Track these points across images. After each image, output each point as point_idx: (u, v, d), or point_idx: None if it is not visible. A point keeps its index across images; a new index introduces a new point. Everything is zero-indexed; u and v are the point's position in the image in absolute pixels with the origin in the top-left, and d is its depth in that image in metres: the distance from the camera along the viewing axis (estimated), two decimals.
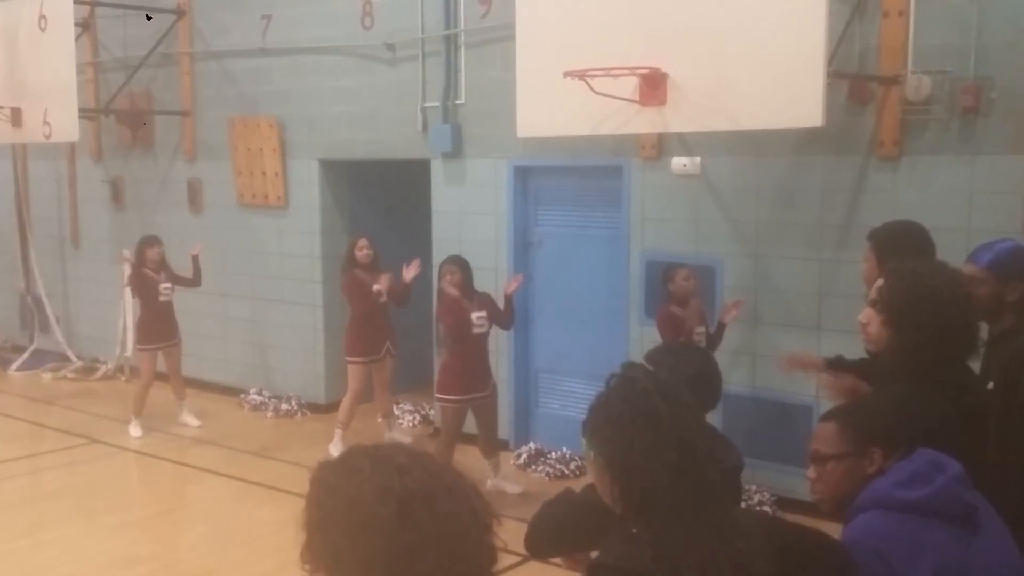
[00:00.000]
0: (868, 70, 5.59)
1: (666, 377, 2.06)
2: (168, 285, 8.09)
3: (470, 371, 6.33)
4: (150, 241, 8.08)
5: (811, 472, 2.47)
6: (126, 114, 9.47)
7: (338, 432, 7.28)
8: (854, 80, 5.60)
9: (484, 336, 6.38)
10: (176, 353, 8.21)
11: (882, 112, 5.58)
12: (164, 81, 9.42)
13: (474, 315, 6.33)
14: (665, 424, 1.89)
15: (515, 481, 6.63)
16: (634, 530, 1.91)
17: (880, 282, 2.82)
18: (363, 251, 7.25)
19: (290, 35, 8.40)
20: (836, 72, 5.09)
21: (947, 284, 2.74)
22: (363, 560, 1.51)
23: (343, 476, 1.57)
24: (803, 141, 5.83)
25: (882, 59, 5.53)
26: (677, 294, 5.92)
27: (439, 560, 1.53)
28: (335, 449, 6.90)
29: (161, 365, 8.10)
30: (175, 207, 9.47)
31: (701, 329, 5.90)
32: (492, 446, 6.52)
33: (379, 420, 7.60)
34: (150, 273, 8.01)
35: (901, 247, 3.78)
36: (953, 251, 4.30)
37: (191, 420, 8.24)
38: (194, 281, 8.17)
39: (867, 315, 2.83)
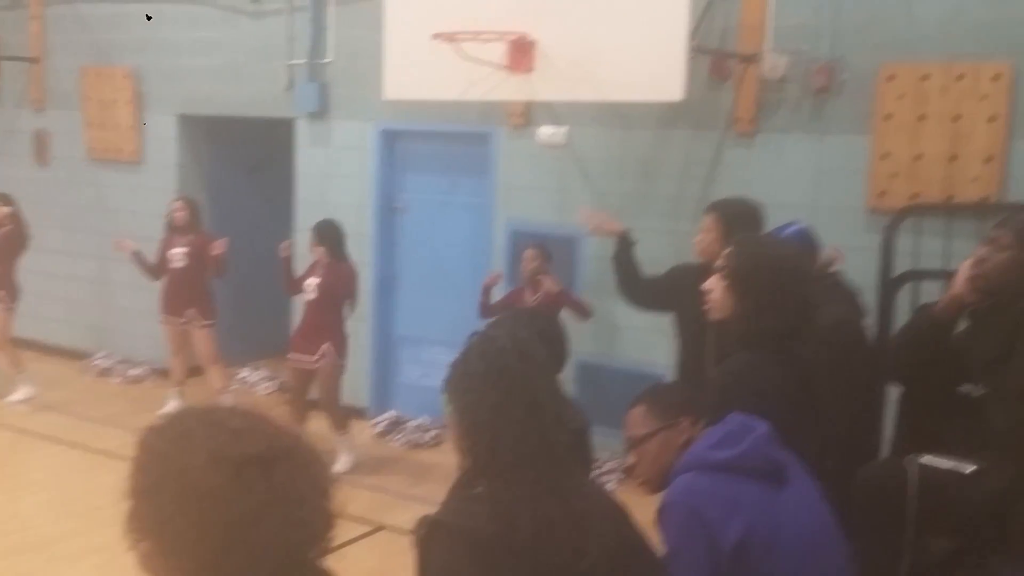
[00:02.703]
0: (728, 47, 5.73)
1: (525, 337, 2.08)
2: None
3: (299, 334, 6.32)
4: None
5: (631, 458, 2.56)
6: None
7: (176, 391, 7.16)
8: (715, 56, 5.73)
9: (310, 303, 6.25)
10: None
11: (740, 89, 5.73)
12: (12, 25, 8.85)
13: (307, 280, 6.26)
14: (517, 382, 1.92)
15: (350, 456, 6.34)
16: (478, 489, 1.93)
17: (728, 250, 2.92)
18: (175, 213, 7.07)
19: None
20: (698, 48, 5.20)
21: (789, 257, 2.86)
22: (195, 529, 1.45)
23: (172, 441, 1.50)
24: (665, 114, 5.94)
25: (742, 37, 5.67)
26: (523, 274, 5.94)
27: (276, 527, 1.49)
28: (171, 408, 6.89)
29: None
30: (19, 159, 8.94)
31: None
32: (328, 416, 6.33)
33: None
34: None
35: (748, 222, 3.97)
36: None
37: (17, 395, 7.57)
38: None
39: (712, 282, 2.92)
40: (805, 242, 3.63)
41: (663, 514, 2.33)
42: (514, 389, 1.92)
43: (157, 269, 7.20)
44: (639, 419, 2.54)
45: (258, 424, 1.55)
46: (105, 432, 6.77)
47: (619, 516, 2.08)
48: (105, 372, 8.39)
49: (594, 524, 1.94)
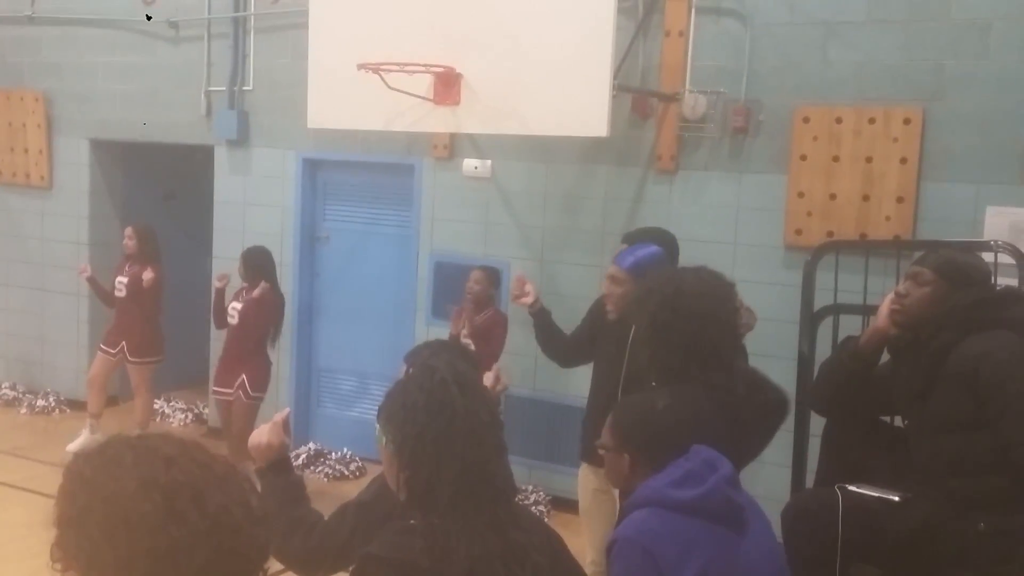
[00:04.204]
0: (650, 86, 5.84)
1: (465, 369, 2.05)
2: None
3: (220, 364, 6.21)
4: None
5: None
6: None
7: (89, 423, 6.96)
8: (637, 95, 5.84)
9: (231, 330, 6.16)
10: None
11: (661, 127, 5.84)
12: None
13: (231, 304, 6.17)
14: (459, 415, 1.90)
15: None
16: (412, 521, 1.89)
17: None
18: (125, 241, 6.92)
19: (62, 4, 7.81)
20: (621, 86, 5.29)
21: (676, 290, 2.84)
22: (122, 558, 1.40)
23: (101, 468, 1.44)
24: (589, 150, 6.02)
25: (663, 76, 5.79)
26: (468, 296, 5.94)
27: (207, 557, 1.44)
28: (81, 439, 6.68)
29: None
30: None
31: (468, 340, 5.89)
32: (230, 445, 6.03)
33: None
34: None
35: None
36: (721, 263, 4.58)
37: None
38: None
39: None
40: (658, 266, 3.69)
41: (615, 548, 2.28)
42: (456, 422, 1.89)
43: (109, 297, 7.00)
44: (607, 428, 2.53)
45: (192, 451, 1.50)
46: (10, 464, 6.47)
47: (556, 548, 2.06)
48: (11, 403, 8.07)
49: (531, 556, 1.92)
